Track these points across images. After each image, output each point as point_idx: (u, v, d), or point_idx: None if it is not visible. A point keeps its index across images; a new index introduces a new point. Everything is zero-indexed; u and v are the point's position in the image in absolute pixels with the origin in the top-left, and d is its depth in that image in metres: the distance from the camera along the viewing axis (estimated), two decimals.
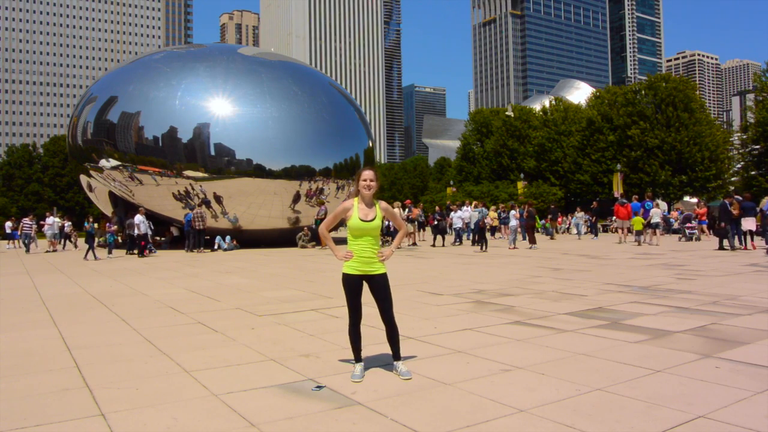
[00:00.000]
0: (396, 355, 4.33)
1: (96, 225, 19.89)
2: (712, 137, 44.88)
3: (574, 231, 30.08)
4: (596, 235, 27.45)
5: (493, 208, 30.31)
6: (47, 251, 24.25)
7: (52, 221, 25.67)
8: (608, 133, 47.42)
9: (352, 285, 4.24)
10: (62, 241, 27.02)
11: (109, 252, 19.54)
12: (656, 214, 20.20)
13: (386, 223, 19.27)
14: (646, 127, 45.27)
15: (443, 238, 22.09)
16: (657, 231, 19.97)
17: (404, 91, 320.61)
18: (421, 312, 7.03)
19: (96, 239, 19.30)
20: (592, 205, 29.10)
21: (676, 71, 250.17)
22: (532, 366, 4.46)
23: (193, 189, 21.21)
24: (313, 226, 22.00)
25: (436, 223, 22.12)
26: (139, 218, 19.50)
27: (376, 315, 4.42)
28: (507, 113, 59.01)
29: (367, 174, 4.30)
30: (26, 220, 25.19)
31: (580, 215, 27.57)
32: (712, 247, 18.33)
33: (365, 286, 4.31)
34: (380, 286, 4.26)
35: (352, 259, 4.21)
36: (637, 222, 20.57)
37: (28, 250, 23.93)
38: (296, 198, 22.14)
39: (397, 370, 4.25)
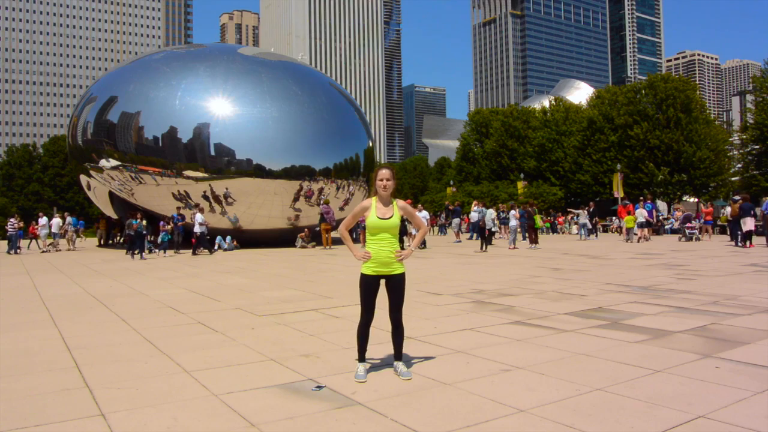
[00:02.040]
0: (397, 355, 4.34)
1: (143, 222, 19.32)
2: (712, 138, 44.87)
3: (575, 231, 30.00)
4: (596, 235, 27.51)
5: (492, 208, 30.23)
6: (43, 251, 24.16)
7: (45, 221, 25.28)
8: (609, 133, 47.36)
9: (369, 285, 4.23)
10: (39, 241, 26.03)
11: (164, 251, 19.45)
12: (640, 215, 22.82)
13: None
14: (647, 127, 45.24)
15: (402, 242, 21.44)
16: (642, 229, 22.84)
17: (404, 91, 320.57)
18: (421, 312, 7.03)
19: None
20: (590, 206, 29.07)
21: (676, 71, 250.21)
22: (532, 366, 4.46)
23: (212, 190, 21.11)
24: (317, 228, 21.95)
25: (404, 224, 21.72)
26: (200, 217, 19.59)
27: (377, 316, 4.41)
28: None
29: (384, 173, 4.26)
30: (11, 220, 24.40)
31: (583, 213, 27.42)
32: (714, 248, 18.31)
33: (381, 287, 4.30)
34: (397, 285, 4.26)
35: (371, 260, 4.19)
36: (629, 221, 23.29)
37: (9, 251, 23.22)
38: (296, 198, 22.14)
39: (397, 370, 4.26)
